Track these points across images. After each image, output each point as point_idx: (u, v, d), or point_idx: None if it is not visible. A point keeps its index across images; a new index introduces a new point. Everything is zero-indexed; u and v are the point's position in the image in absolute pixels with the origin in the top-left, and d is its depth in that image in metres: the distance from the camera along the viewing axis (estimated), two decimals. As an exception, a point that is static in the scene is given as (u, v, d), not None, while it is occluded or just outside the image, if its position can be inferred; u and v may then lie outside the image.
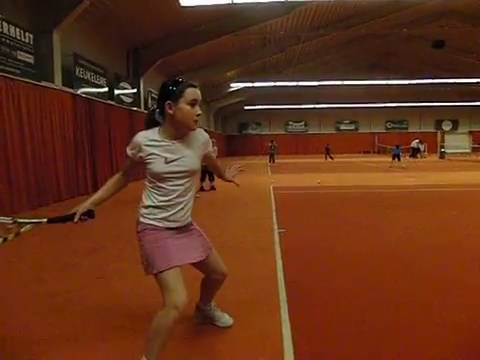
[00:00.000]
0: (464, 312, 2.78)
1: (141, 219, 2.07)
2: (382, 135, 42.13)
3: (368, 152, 41.71)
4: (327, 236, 5.21)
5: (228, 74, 23.99)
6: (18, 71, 7.81)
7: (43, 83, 8.63)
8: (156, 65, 15.49)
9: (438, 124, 42.62)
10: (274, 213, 6.85)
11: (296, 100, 37.71)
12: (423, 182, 11.70)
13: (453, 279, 3.46)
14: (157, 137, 2.03)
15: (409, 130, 42.78)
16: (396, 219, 6.26)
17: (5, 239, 2.01)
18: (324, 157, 27.54)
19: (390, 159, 19.72)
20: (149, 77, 15.91)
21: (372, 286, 3.34)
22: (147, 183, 2.09)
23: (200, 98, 2.04)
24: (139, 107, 15.10)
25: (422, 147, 29.37)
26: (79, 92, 10.22)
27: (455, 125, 42.84)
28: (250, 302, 3.03)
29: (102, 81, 11.79)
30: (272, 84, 26.02)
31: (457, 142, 40.50)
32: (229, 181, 2.64)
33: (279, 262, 3.99)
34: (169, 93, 2.00)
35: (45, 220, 2.10)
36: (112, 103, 12.36)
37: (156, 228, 2.05)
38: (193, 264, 2.19)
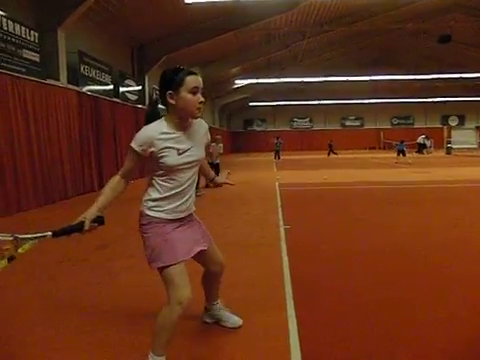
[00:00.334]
0: (471, 308, 2.76)
1: (148, 212, 2.03)
2: (388, 131, 41.88)
3: (374, 148, 41.51)
4: (333, 232, 5.20)
5: (233, 70, 23.94)
6: (24, 69, 7.84)
7: (48, 81, 8.67)
8: (161, 62, 15.49)
9: (444, 119, 42.29)
10: (279, 209, 6.84)
11: (301, 96, 37.55)
12: (429, 178, 11.64)
13: (459, 276, 3.45)
14: (166, 129, 1.97)
15: (415, 126, 42.49)
16: (402, 215, 6.24)
17: (11, 258, 1.92)
18: (327, 153, 27.45)
19: (396, 155, 19.61)
20: (154, 74, 15.92)
21: (378, 282, 3.33)
22: (155, 176, 2.03)
23: (201, 85, 2.00)
24: (144, 104, 15.12)
25: (428, 143, 29.20)
26: (84, 90, 10.25)
27: (461, 120, 42.48)
28: (256, 298, 3.03)
29: (107, 79, 11.80)
30: (277, 80, 25.94)
31: (464, 137, 40.18)
32: (220, 184, 2.60)
33: (285, 258, 3.99)
34: (169, 83, 1.96)
35: (50, 233, 1.96)
36: (117, 100, 12.39)
37: (162, 221, 2.03)
38: (193, 256, 2.17)
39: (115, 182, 2.03)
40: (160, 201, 2.03)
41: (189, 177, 2.07)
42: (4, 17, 7.29)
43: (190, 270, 2.07)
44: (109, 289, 3.33)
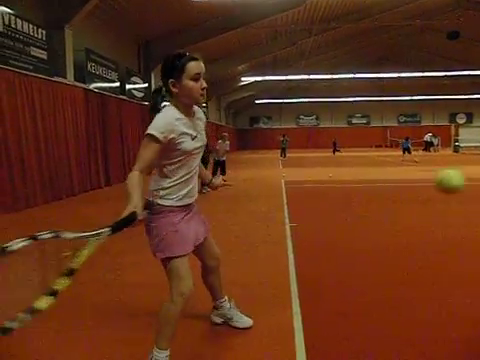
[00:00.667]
0: (475, 308, 2.75)
1: (159, 201, 1.99)
2: (394, 129, 41.65)
3: (380, 146, 41.32)
4: (338, 230, 5.19)
5: (239, 68, 23.92)
6: (31, 67, 7.89)
7: (56, 78, 8.72)
8: (167, 59, 15.51)
9: (452, 117, 41.95)
10: (285, 207, 6.84)
11: (307, 94, 37.47)
12: (435, 176, 11.54)
13: (464, 275, 3.43)
14: (178, 115, 1.95)
15: (422, 124, 42.22)
16: (407, 214, 6.21)
17: (71, 273, 1.78)
18: (332, 151, 27.45)
19: (402, 153, 19.45)
20: (160, 72, 15.95)
21: (382, 281, 3.32)
22: (167, 165, 1.99)
23: (203, 70, 1.96)
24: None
25: (435, 141, 29.00)
26: (91, 87, 10.29)
27: (470, 118, 42.12)
28: (262, 295, 3.04)
29: (114, 76, 11.85)
30: (283, 78, 25.89)
31: (472, 135, 39.67)
32: (216, 188, 2.47)
33: (290, 256, 3.99)
34: (171, 70, 1.94)
35: (108, 229, 1.78)
36: (124, 98, 12.43)
37: (172, 210, 2.01)
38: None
39: (137, 178, 1.85)
40: (171, 189, 2.00)
41: (197, 163, 2.10)
42: (13, 15, 7.33)
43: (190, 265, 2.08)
44: (114, 284, 3.36)
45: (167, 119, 1.92)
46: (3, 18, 7.09)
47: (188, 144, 1.97)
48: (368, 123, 43.86)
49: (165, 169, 2.00)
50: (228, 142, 10.91)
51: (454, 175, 2.37)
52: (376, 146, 41.01)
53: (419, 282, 3.26)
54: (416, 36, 27.32)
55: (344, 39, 24.37)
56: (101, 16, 11.53)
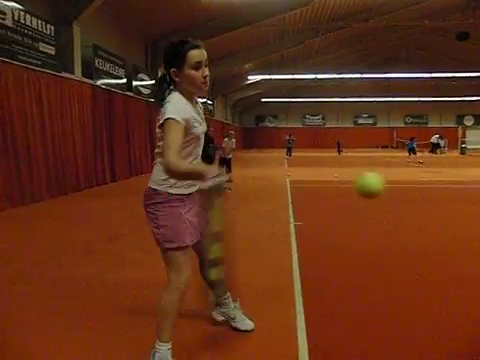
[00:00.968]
0: (477, 308, 2.75)
1: (170, 190, 1.96)
2: (401, 130, 41.44)
3: (386, 147, 41.15)
4: (343, 230, 5.19)
5: (246, 66, 23.89)
6: (39, 62, 7.93)
7: (63, 74, 8.76)
8: (174, 57, 15.52)
9: (459, 119, 41.65)
10: (290, 206, 6.84)
11: (314, 93, 37.36)
12: (441, 178, 11.50)
13: (467, 276, 3.42)
14: (185, 100, 1.95)
15: (429, 125, 41.96)
16: (413, 215, 6.19)
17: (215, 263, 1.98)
18: (337, 152, 27.47)
19: (407, 154, 19.31)
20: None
21: (385, 281, 3.32)
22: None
23: (205, 57, 1.94)
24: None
25: (442, 142, 28.81)
26: (98, 83, 10.33)
27: (477, 120, 41.76)
28: (265, 294, 3.05)
29: (121, 72, 11.88)
30: (290, 77, 25.80)
31: (479, 138, 39.54)
32: None
33: (295, 255, 4.00)
34: (172, 60, 1.92)
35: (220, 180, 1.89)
36: (130, 94, 12.46)
37: (182, 199, 2.00)
38: None
39: (181, 161, 1.85)
40: None
41: (200, 146, 2.09)
42: (22, 11, 7.38)
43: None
44: (117, 280, 3.37)
45: (180, 103, 1.91)
46: (13, 14, 7.13)
47: (198, 128, 1.99)
48: (374, 123, 43.68)
49: None
50: (234, 140, 10.92)
51: (373, 180, 2.34)
52: (382, 147, 40.83)
53: (422, 283, 3.26)
54: (425, 37, 27.14)
55: (351, 39, 24.25)
56: (109, 12, 11.56)
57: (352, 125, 43.56)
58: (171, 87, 2.00)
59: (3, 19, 6.90)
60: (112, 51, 11.34)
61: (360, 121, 43.78)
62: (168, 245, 1.97)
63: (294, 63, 25.83)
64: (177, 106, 1.88)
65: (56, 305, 2.88)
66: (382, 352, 2.23)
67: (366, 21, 19.57)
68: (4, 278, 3.44)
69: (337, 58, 28.41)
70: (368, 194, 2.35)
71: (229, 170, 10.38)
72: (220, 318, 2.50)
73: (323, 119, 43.79)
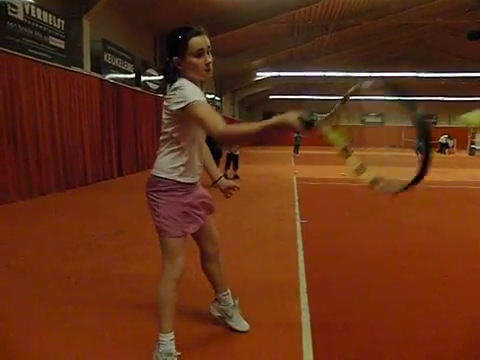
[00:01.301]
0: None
1: (179, 179, 1.97)
2: (409, 129, 41.07)
3: (394, 146, 40.86)
4: (349, 229, 5.18)
5: (254, 63, 23.81)
6: (49, 56, 7.97)
7: (73, 68, 8.80)
8: (183, 52, 15.52)
9: (469, 119, 41.26)
10: (297, 203, 6.83)
11: (322, 91, 37.15)
12: (448, 179, 11.41)
13: (473, 277, 3.40)
14: (195, 85, 1.94)
15: (438, 125, 41.59)
16: (419, 214, 6.17)
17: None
18: None
19: (415, 154, 19.09)
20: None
21: (394, 280, 3.31)
22: (183, 140, 1.96)
23: (208, 43, 1.91)
24: (165, 94, 15.19)
25: (451, 143, 28.57)
26: (107, 77, 10.36)
27: (487, 121, 41.37)
28: (271, 290, 3.06)
29: (129, 67, 11.91)
30: (298, 74, 25.69)
31: (488, 138, 39.13)
32: (224, 188, 2.36)
33: (301, 252, 4.00)
34: (174, 48, 1.91)
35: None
36: (138, 89, 12.49)
37: (186, 187, 2.00)
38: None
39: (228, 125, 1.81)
40: (188, 164, 1.99)
41: (204, 136, 2.07)
42: (33, 5, 7.42)
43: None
44: (123, 274, 3.40)
45: (194, 87, 1.90)
46: (24, 8, 7.17)
47: None
48: (382, 122, 43.38)
49: (183, 142, 1.97)
50: (242, 137, 10.90)
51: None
52: (390, 146, 40.54)
53: (429, 282, 3.25)
54: (434, 36, 26.86)
55: (361, 37, 24.07)
56: (118, 7, 11.56)
57: (360, 123, 43.29)
58: (177, 74, 1.98)
59: (15, 13, 6.94)
60: (121, 46, 11.37)
61: (368, 120, 43.51)
62: (163, 233, 1.99)
63: (303, 60, 25.72)
64: (193, 90, 1.87)
65: (62, 298, 2.91)
66: (388, 351, 2.23)
67: (376, 19, 19.41)
68: (11, 270, 3.48)
69: (346, 56, 28.23)
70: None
71: (236, 167, 10.38)
72: (217, 314, 2.48)
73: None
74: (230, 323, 2.42)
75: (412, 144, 32.63)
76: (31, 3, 7.37)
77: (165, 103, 1.96)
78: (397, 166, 16.32)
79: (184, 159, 1.98)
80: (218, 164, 8.25)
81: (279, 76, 26.80)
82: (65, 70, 8.47)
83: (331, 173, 12.42)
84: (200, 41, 1.90)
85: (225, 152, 10.28)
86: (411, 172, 1.66)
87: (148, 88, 13.39)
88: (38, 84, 7.55)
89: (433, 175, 9.51)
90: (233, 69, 21.95)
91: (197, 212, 2.07)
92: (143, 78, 12.99)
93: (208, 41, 1.93)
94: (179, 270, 2.01)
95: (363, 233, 4.99)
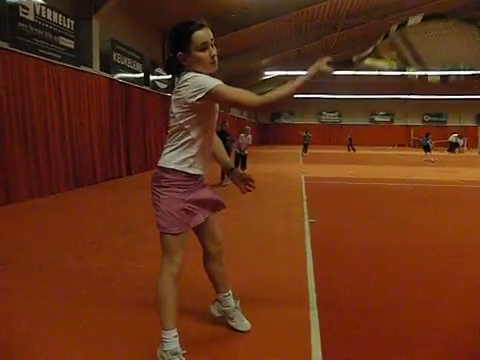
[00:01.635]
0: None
1: (188, 170, 1.96)
2: (418, 128, 40.79)
3: (403, 145, 40.56)
4: (357, 228, 5.16)
5: (262, 62, 23.79)
6: (59, 56, 8.05)
7: (82, 68, 8.87)
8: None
9: (479, 119, 40.80)
10: (305, 203, 6.82)
11: (330, 90, 37.01)
12: (459, 178, 11.31)
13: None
14: None
15: (448, 124, 41.19)
16: (428, 214, 6.12)
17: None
18: (347, 149, 26.58)
19: (424, 153, 18.92)
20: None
21: (402, 280, 3.30)
22: (193, 131, 1.95)
23: (211, 36, 1.91)
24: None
25: (461, 142, 28.27)
26: (116, 77, 10.43)
27: (498, 120, 40.89)
28: (279, 289, 3.06)
29: (138, 67, 11.97)
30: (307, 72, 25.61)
31: (499, 137, 38.66)
32: (236, 181, 2.33)
33: (309, 252, 4.00)
34: (177, 43, 1.91)
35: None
36: (147, 88, 12.55)
37: (190, 182, 1.99)
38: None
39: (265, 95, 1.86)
40: (198, 156, 1.99)
41: (215, 123, 2.09)
42: (43, 5, 7.49)
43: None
44: (130, 272, 3.42)
45: (204, 75, 1.90)
46: (34, 8, 7.25)
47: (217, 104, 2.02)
48: (391, 121, 43.08)
49: (194, 133, 1.96)
50: (250, 136, 10.93)
51: None
52: (399, 145, 40.27)
53: (436, 283, 3.23)
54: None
55: (370, 35, 23.92)
56: (128, 7, 11.64)
57: (368, 122, 43.04)
58: (181, 69, 1.99)
59: (25, 14, 7.02)
60: (130, 45, 11.44)
61: (377, 118, 43.22)
62: (162, 229, 1.99)
63: (311, 59, 25.60)
64: (207, 78, 1.88)
65: (69, 296, 2.94)
66: (395, 352, 2.22)
67: (384, 17, 19.27)
68: (21, 268, 3.53)
69: (354, 54, 28.05)
70: None
71: (244, 166, 10.39)
72: (217, 314, 2.45)
73: (339, 116, 43.37)
74: (232, 324, 2.39)
75: (420, 143, 32.40)
76: (42, 4, 7.45)
77: (176, 96, 1.95)
78: (404, 165, 16.16)
79: (194, 151, 1.97)
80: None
81: (287, 75, 26.74)
82: (75, 70, 8.55)
83: (340, 172, 12.39)
84: (203, 34, 1.89)
85: (234, 151, 10.29)
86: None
87: (157, 87, 13.45)
88: (48, 84, 7.64)
89: (444, 174, 9.50)
90: (241, 68, 21.95)
91: (197, 210, 2.04)
92: (152, 77, 13.06)
93: (211, 34, 1.93)
94: (176, 267, 2.01)
95: (372, 232, 4.97)
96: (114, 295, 2.93)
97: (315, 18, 18.26)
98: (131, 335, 2.34)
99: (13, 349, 2.20)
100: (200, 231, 2.20)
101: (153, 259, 3.75)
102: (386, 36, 1.75)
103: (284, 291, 3.02)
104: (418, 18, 1.66)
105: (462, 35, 1.65)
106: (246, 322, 2.40)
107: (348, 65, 1.90)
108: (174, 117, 1.96)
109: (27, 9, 7.06)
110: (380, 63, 1.82)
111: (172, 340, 1.98)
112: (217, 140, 2.26)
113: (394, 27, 1.73)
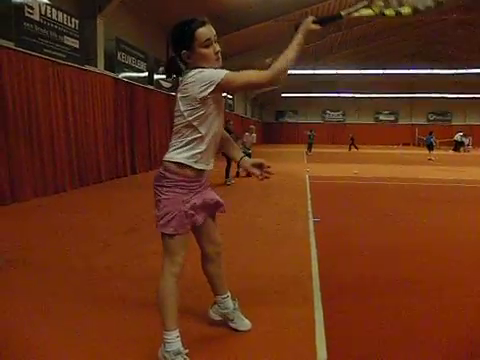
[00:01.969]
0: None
1: (195, 165, 1.95)
2: (423, 127, 40.59)
3: (407, 144, 40.40)
4: (361, 227, 5.15)
5: (266, 60, 23.76)
6: (64, 55, 8.08)
7: (87, 67, 8.90)
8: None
9: (485, 117, 40.55)
10: (309, 202, 6.82)
11: (334, 89, 36.93)
12: (464, 177, 11.25)
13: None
14: None
15: (452, 123, 40.97)
16: (432, 213, 6.10)
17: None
18: (348, 148, 26.30)
19: (428, 151, 18.81)
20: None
21: (408, 280, 3.28)
22: (201, 126, 1.94)
23: (214, 33, 1.91)
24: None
25: (466, 141, 28.14)
26: (120, 76, 10.45)
27: (503, 118, 40.60)
28: (284, 288, 3.06)
29: (142, 66, 11.99)
30: (310, 72, 25.57)
31: (505, 136, 38.41)
32: (247, 170, 2.25)
33: (314, 251, 3.99)
34: (181, 41, 1.90)
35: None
36: (151, 88, 12.57)
37: (192, 181, 1.98)
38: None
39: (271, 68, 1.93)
40: (205, 152, 1.97)
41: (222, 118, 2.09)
42: (48, 5, 7.52)
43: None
44: (134, 271, 3.43)
45: (208, 69, 1.89)
46: (40, 8, 7.28)
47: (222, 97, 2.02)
48: (396, 120, 42.90)
49: (202, 129, 1.94)
50: (255, 135, 10.94)
51: None
52: (404, 144, 40.11)
53: (442, 283, 3.22)
54: (449, 32, 26.45)
55: (374, 33, 23.87)
56: (132, 6, 11.66)
57: (373, 121, 42.89)
58: (184, 67, 1.97)
59: (31, 13, 7.05)
60: (134, 44, 11.45)
61: (381, 117, 43.06)
62: (160, 229, 1.99)
63: (315, 58, 25.58)
64: (213, 70, 1.88)
65: (73, 295, 2.95)
66: (402, 349, 2.22)
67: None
68: (26, 267, 3.54)
69: (359, 53, 28.00)
70: None
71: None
72: (217, 317, 2.42)
73: (343, 115, 43.25)
74: (232, 325, 2.37)
75: (424, 142, 32.23)
76: (47, 4, 7.47)
77: (182, 94, 1.93)
78: (408, 165, 16.06)
79: (203, 147, 1.96)
80: (230, 162, 8.28)
81: (291, 74, 26.68)
82: (79, 69, 8.58)
83: (344, 171, 12.36)
84: (206, 31, 1.89)
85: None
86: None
87: (161, 87, 13.46)
88: (53, 83, 7.67)
89: (449, 173, 9.45)
90: (245, 67, 21.83)
91: (196, 212, 2.03)
92: (156, 76, 13.06)
93: (213, 30, 1.92)
94: (178, 267, 2.00)
95: (375, 232, 4.95)
96: (118, 295, 2.94)
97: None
98: (134, 335, 2.34)
99: (15, 349, 2.20)
100: (198, 232, 2.19)
101: (157, 258, 3.74)
102: None
103: (289, 290, 3.02)
104: None
105: None
106: (246, 321, 2.39)
107: (335, 19, 2.04)
108: (182, 115, 1.94)
109: (32, 9, 7.09)
110: (367, 12, 1.96)
111: (174, 340, 1.98)
112: (225, 134, 2.25)
113: None
